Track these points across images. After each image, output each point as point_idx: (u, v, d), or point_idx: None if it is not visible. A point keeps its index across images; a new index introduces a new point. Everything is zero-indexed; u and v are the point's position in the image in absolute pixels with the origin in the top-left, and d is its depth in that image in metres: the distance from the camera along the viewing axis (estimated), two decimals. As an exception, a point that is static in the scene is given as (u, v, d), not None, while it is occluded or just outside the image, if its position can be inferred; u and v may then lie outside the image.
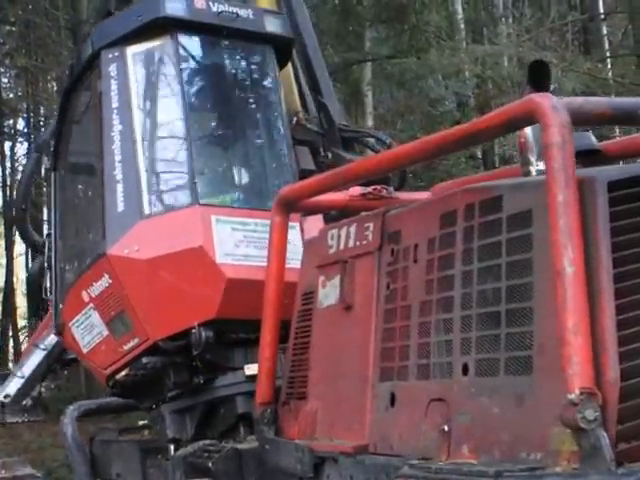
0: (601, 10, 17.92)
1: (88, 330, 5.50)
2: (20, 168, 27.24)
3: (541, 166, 3.21)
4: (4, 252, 26.72)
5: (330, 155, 5.77)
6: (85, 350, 5.64)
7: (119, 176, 5.25)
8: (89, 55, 5.68)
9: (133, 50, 5.48)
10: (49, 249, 6.33)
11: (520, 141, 3.28)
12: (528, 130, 3.28)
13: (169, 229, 5.13)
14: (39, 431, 15.19)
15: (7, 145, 26.15)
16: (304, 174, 5.46)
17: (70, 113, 6.17)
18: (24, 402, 7.09)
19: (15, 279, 27.66)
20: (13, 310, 26.55)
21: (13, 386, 7.15)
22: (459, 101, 17.01)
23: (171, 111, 5.48)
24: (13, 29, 21.97)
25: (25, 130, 25.70)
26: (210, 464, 4.65)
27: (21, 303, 27.79)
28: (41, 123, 23.67)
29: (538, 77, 3.38)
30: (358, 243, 3.78)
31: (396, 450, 3.30)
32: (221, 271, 4.97)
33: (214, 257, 4.97)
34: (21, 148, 26.86)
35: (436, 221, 3.22)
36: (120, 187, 5.23)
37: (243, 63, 5.91)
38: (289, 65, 6.16)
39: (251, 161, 5.65)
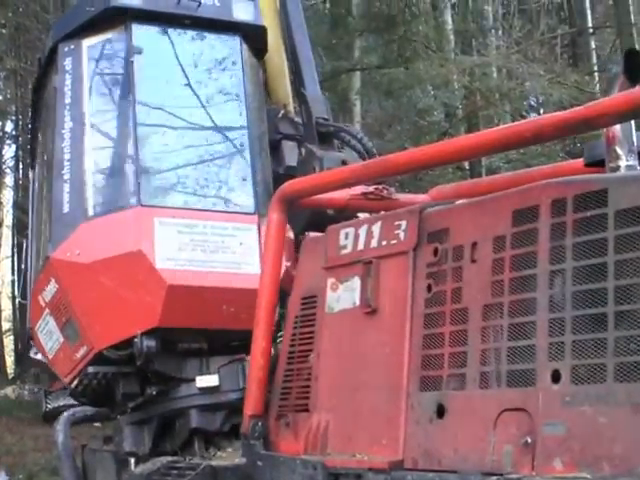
0: (590, 24, 18.03)
1: (49, 336, 5.26)
2: (8, 171, 27.29)
3: (631, 162, 3.08)
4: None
5: (303, 151, 5.42)
6: (50, 356, 5.37)
7: (66, 175, 5.01)
8: (49, 49, 5.45)
9: (88, 43, 5.21)
10: (25, 250, 6.11)
11: (608, 135, 3.15)
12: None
13: (110, 232, 4.85)
14: (21, 434, 15.13)
15: (-5, 147, 26.07)
16: (289, 171, 5.22)
17: (39, 110, 5.95)
18: None
19: (1, 282, 27.62)
20: (-3, 313, 26.46)
21: None
22: (447, 112, 17.06)
23: (120, 108, 5.19)
24: (3, 31, 21.94)
25: (14, 133, 25.63)
26: None
27: (6, 306, 27.69)
28: (29, 126, 23.59)
29: (635, 67, 3.21)
30: (385, 243, 3.49)
31: (447, 465, 3.00)
32: (161, 277, 4.67)
33: (154, 262, 4.67)
34: (9, 150, 26.83)
35: (506, 218, 2.99)
36: (67, 187, 4.99)
37: (205, 54, 5.46)
38: (282, 55, 5.85)
39: (207, 160, 5.26)
